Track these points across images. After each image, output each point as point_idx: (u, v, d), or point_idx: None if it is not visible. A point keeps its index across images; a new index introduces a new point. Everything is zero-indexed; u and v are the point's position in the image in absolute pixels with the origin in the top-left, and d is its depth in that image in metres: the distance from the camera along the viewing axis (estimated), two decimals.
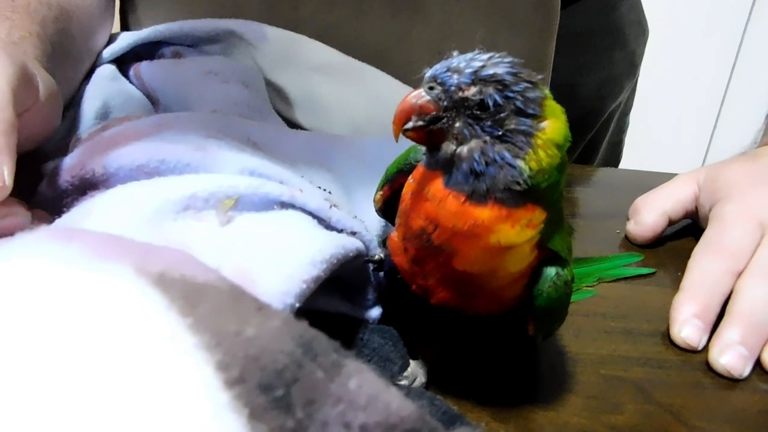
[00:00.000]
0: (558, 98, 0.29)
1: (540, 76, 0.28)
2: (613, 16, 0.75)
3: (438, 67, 0.28)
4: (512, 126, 0.27)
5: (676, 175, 0.54)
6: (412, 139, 0.29)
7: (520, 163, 0.27)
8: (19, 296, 0.19)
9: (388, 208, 0.36)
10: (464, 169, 0.28)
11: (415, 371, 0.36)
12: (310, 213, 0.34)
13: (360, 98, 0.58)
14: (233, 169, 0.35)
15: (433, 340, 0.38)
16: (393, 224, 0.35)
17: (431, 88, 0.28)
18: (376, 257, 0.36)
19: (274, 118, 0.52)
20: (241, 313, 0.18)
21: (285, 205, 0.34)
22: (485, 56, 0.28)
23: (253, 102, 0.52)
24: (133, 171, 0.35)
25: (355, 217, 0.37)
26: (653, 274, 0.49)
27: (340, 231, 0.35)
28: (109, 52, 0.54)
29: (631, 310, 0.45)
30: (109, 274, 0.20)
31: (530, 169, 0.27)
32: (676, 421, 0.36)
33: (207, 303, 0.19)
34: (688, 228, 0.53)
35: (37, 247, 0.22)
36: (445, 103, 0.28)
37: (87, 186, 0.36)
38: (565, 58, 0.68)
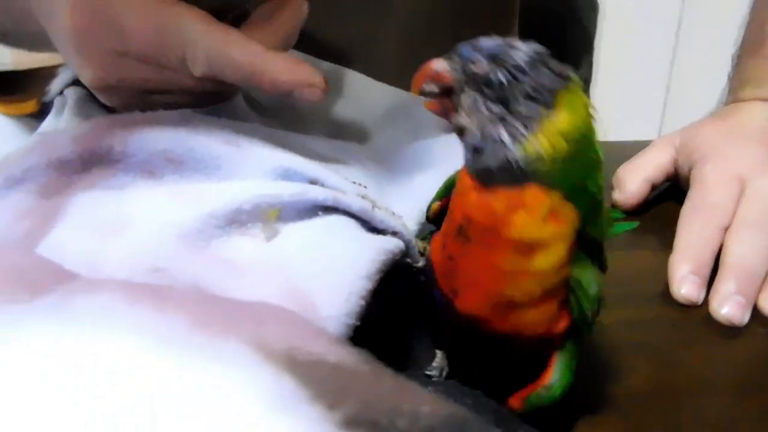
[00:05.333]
0: None
1: (570, 70, 0.28)
2: None
3: (465, 43, 0.30)
4: (518, 109, 0.28)
5: (649, 142, 0.56)
6: (432, 110, 0.30)
7: (516, 146, 0.28)
8: (117, 402, 0.15)
9: (440, 218, 0.35)
10: (468, 143, 0.29)
11: (441, 364, 0.37)
12: (352, 215, 0.34)
13: (335, 101, 0.58)
14: (267, 166, 0.34)
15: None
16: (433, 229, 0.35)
17: (452, 60, 0.29)
18: (420, 264, 0.36)
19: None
20: (387, 400, 0.17)
21: (328, 209, 0.33)
22: (516, 42, 0.29)
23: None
24: (155, 155, 0.33)
25: (393, 213, 0.36)
26: (637, 229, 0.50)
27: (381, 231, 0.35)
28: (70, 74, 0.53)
29: (628, 276, 0.47)
30: (230, 363, 0.17)
31: (525, 153, 0.27)
32: (687, 377, 0.38)
33: (352, 392, 0.17)
34: (669, 190, 0.56)
35: (122, 317, 0.18)
36: (459, 76, 0.29)
37: (94, 161, 0.35)
38: (522, 36, 0.69)
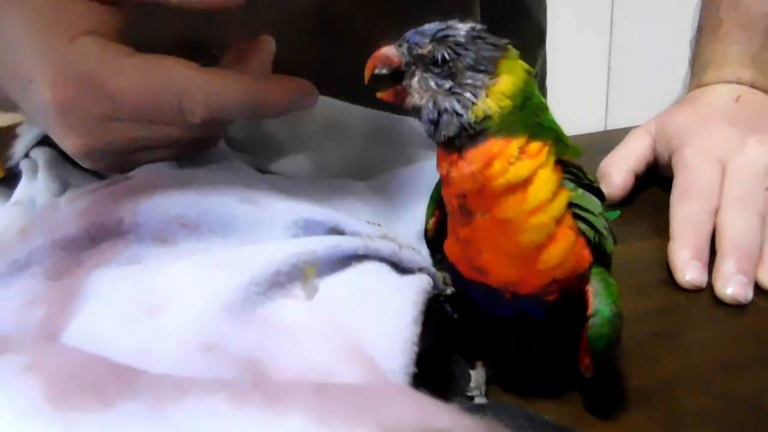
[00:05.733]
0: None
1: (506, 41, 0.32)
2: None
3: (412, 30, 0.33)
4: (463, 81, 0.31)
5: (615, 130, 0.59)
6: (387, 99, 0.33)
7: (466, 111, 0.31)
8: None
9: (437, 237, 0.37)
10: (424, 119, 0.32)
11: (479, 382, 0.38)
12: (383, 258, 0.34)
13: (313, 130, 0.57)
14: (287, 220, 0.34)
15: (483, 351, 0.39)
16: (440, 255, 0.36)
17: (400, 45, 0.32)
18: (449, 291, 0.37)
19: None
20: None
21: (359, 257, 0.33)
22: (454, 22, 0.32)
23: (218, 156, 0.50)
24: (168, 222, 0.33)
25: (414, 249, 0.37)
26: (626, 218, 0.53)
27: (409, 269, 0.35)
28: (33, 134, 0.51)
29: (627, 267, 0.49)
30: None
31: (476, 116, 0.31)
32: (709, 359, 0.40)
33: None
34: (650, 177, 0.58)
35: (236, 424, 0.18)
36: (407, 59, 0.32)
37: (104, 236, 0.34)
38: None
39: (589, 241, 0.34)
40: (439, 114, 0.31)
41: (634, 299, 0.45)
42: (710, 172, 0.49)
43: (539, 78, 0.89)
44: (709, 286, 0.45)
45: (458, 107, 0.31)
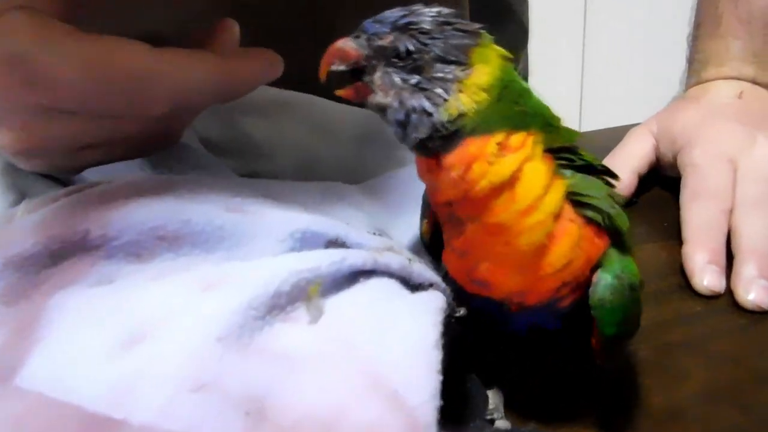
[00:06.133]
0: None
1: (478, 26, 0.28)
2: None
3: (369, 19, 0.29)
4: (432, 74, 0.28)
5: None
6: (347, 97, 0.29)
7: (437, 110, 0.27)
8: None
9: (435, 241, 0.34)
10: (390, 119, 0.28)
11: (496, 403, 0.34)
12: (392, 274, 0.30)
13: (299, 131, 0.54)
14: (283, 231, 0.30)
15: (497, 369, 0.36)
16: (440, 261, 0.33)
17: (357, 37, 0.29)
18: (461, 312, 0.33)
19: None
20: None
21: (366, 273, 0.29)
22: (418, 7, 0.29)
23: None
24: (143, 235, 0.29)
25: (421, 261, 0.33)
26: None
27: (419, 285, 0.31)
28: None
29: (641, 271, 0.46)
30: None
31: (449, 115, 0.27)
32: (741, 372, 0.37)
33: None
34: (652, 178, 0.55)
35: None
36: (366, 52, 0.28)
37: (68, 252, 0.29)
38: None
39: (600, 226, 0.30)
40: (407, 114, 0.28)
41: (648, 307, 0.42)
42: (721, 171, 0.46)
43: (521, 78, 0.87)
44: (726, 291, 0.42)
45: (428, 105, 0.27)
